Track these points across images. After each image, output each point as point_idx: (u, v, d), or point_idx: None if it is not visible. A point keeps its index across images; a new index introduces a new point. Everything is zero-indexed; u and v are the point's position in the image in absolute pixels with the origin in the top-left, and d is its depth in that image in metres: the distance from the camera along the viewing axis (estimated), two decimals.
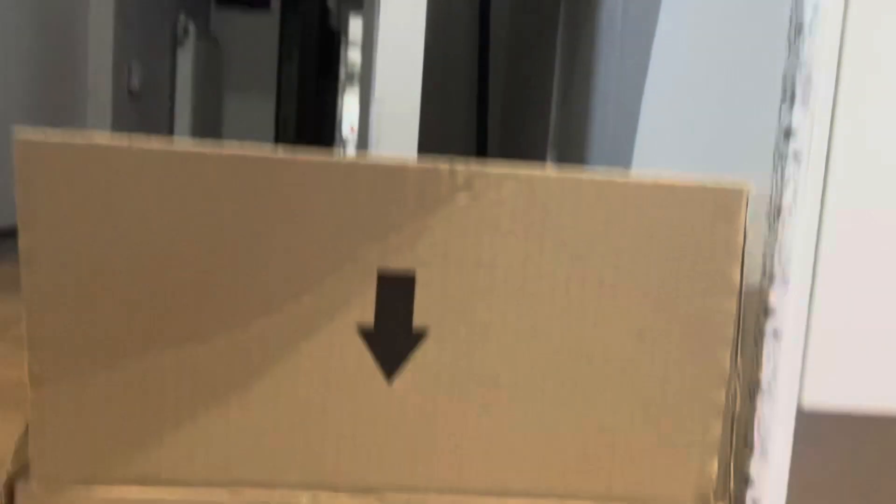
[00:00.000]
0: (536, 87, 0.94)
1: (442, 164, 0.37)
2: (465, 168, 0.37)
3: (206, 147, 0.36)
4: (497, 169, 0.37)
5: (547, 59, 0.87)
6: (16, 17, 1.75)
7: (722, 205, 0.38)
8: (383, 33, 0.74)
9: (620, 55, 0.73)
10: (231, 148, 0.36)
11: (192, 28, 2.72)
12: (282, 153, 0.36)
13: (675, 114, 0.57)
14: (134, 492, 0.37)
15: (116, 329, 0.36)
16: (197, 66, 2.77)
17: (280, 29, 3.17)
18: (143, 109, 2.43)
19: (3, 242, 2.23)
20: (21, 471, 0.38)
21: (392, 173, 0.36)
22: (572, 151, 0.81)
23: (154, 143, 0.36)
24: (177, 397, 0.37)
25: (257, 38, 3.15)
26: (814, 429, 0.45)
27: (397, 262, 0.37)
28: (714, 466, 0.40)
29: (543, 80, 0.89)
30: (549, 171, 0.37)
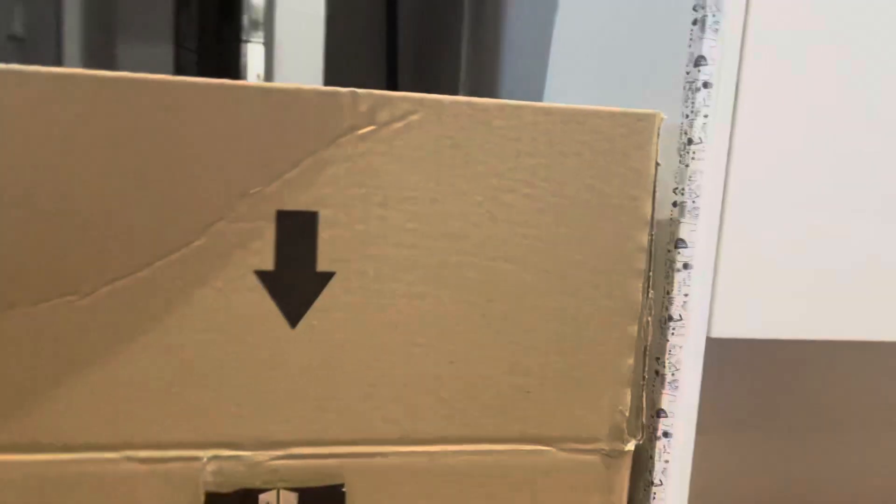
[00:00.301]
0: (446, 23, 0.91)
1: (343, 91, 0.34)
2: (368, 94, 0.34)
3: (95, 71, 0.32)
4: (403, 95, 0.35)
5: None
6: None
7: (633, 132, 0.37)
8: None
9: None
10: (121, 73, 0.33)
11: None
12: (170, 77, 0.33)
13: (587, 47, 0.56)
14: (12, 461, 0.34)
15: None
16: (86, 9, 2.58)
17: None
18: (27, 56, 2.25)
19: None
20: None
21: (289, 99, 0.33)
22: (483, 89, 0.79)
23: (34, 67, 0.32)
24: (55, 354, 0.34)
25: None
26: (719, 355, 0.46)
27: (298, 201, 0.35)
28: (627, 401, 0.40)
29: (454, 14, 0.86)
30: (458, 98, 0.35)
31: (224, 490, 0.36)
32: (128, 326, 0.34)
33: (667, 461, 0.43)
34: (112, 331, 0.34)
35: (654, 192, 0.38)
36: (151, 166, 0.33)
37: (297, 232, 0.35)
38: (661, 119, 0.38)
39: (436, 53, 0.98)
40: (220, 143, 0.34)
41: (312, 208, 0.35)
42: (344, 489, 0.37)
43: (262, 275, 0.35)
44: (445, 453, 0.38)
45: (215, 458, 0.36)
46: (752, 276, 0.42)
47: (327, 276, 0.36)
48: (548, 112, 0.36)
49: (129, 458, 0.35)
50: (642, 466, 0.44)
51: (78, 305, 0.34)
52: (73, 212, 0.33)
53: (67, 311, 0.33)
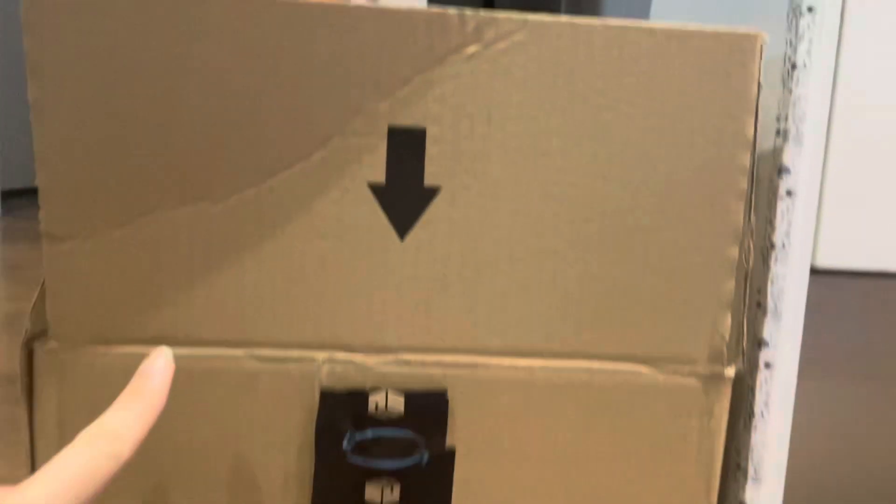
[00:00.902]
0: None
1: (451, 11, 0.36)
2: (475, 14, 0.36)
3: None
4: (508, 16, 0.36)
5: None
6: None
7: (737, 51, 0.37)
8: None
9: None
10: None
11: None
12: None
13: None
14: (149, 352, 0.38)
15: (129, 185, 0.36)
16: None
17: None
18: None
19: (17, 200, 2.24)
20: (39, 331, 0.38)
21: (400, 20, 0.36)
22: (586, 9, 0.79)
23: None
24: (190, 256, 0.37)
25: None
26: (825, 291, 0.45)
27: (407, 117, 0.37)
28: (727, 325, 0.40)
29: None
30: (561, 18, 0.37)
31: (337, 389, 0.38)
32: (254, 232, 0.37)
33: (768, 393, 0.43)
34: (240, 236, 0.37)
35: (757, 113, 0.38)
36: (275, 83, 0.36)
37: (406, 147, 0.37)
38: (764, 39, 0.38)
39: None
40: (337, 61, 0.36)
41: (421, 125, 0.37)
42: (447, 396, 0.39)
43: (375, 188, 0.37)
44: (545, 368, 0.39)
45: (329, 359, 0.38)
46: (857, 204, 0.41)
47: (434, 191, 0.38)
48: (650, 32, 0.37)
49: (252, 356, 0.38)
50: (743, 398, 0.44)
51: (211, 211, 0.37)
52: (207, 125, 0.36)
53: (201, 216, 0.37)
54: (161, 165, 0.36)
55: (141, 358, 0.38)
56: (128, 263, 0.37)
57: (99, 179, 0.36)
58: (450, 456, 0.39)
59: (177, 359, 0.38)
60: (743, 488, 0.44)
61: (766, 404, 0.43)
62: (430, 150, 0.37)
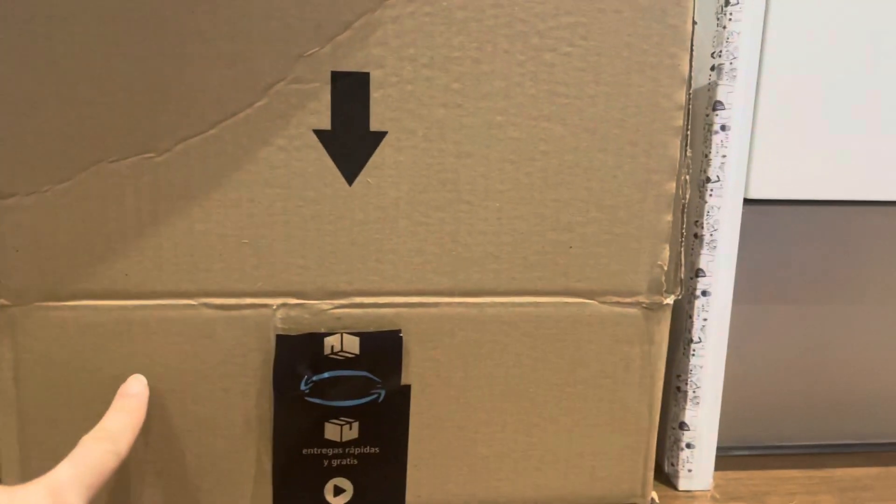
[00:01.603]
0: None
1: None
2: None
3: None
4: None
5: None
6: None
7: None
8: None
9: None
10: None
11: None
12: None
13: None
14: (102, 306, 0.38)
15: (68, 139, 0.36)
16: None
17: None
18: None
19: None
20: None
21: None
22: None
23: None
24: (137, 208, 0.37)
25: None
26: (758, 220, 0.47)
27: (350, 62, 0.37)
28: (666, 256, 0.42)
29: None
30: None
31: (292, 333, 0.39)
32: (201, 182, 0.37)
33: (705, 319, 0.45)
34: (187, 186, 0.37)
35: (692, 50, 0.39)
36: (216, 31, 0.36)
37: (350, 92, 0.37)
38: None
39: None
40: (277, 7, 0.36)
41: (364, 69, 0.37)
42: (401, 334, 0.40)
43: (320, 134, 0.38)
44: (494, 304, 0.41)
45: (284, 305, 0.39)
46: (787, 137, 0.43)
47: (380, 136, 0.38)
48: None
49: (206, 305, 0.39)
50: (682, 326, 0.46)
51: (155, 162, 0.37)
52: (145, 76, 0.36)
53: (146, 167, 0.37)
54: (101, 118, 0.36)
55: (94, 311, 0.38)
56: (74, 218, 0.37)
57: (38, 134, 0.36)
58: (405, 393, 0.41)
59: (130, 311, 0.39)
60: (683, 410, 0.46)
61: (704, 330, 0.45)
62: (375, 94, 0.38)
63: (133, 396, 0.37)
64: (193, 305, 0.39)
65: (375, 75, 0.37)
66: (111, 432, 0.34)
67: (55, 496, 0.29)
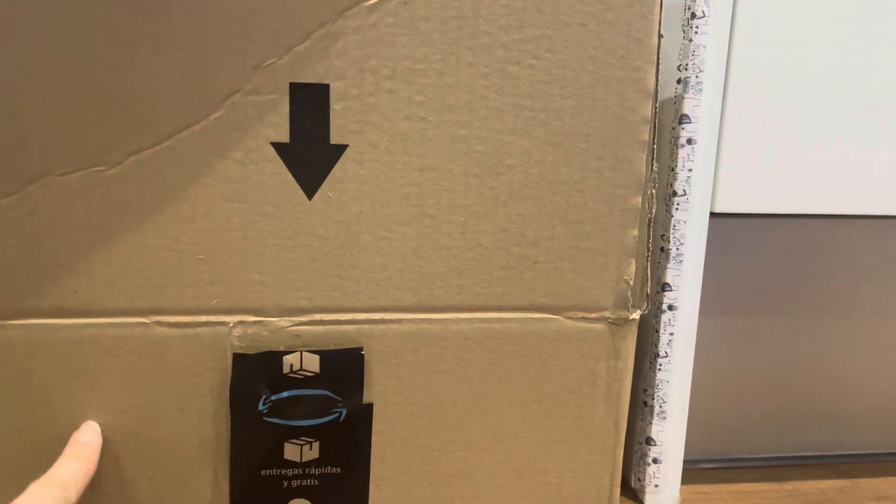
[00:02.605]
0: None
1: None
2: None
3: None
4: None
5: None
6: None
7: (637, 2, 0.37)
8: None
9: None
10: None
11: None
12: None
13: None
14: (51, 324, 0.37)
15: (13, 152, 0.34)
16: None
17: None
18: None
19: None
20: None
21: None
22: None
23: None
24: (87, 223, 0.36)
25: None
26: (724, 234, 0.47)
27: (309, 73, 0.36)
28: (632, 271, 0.41)
29: None
30: None
31: (250, 352, 0.38)
32: (154, 196, 0.36)
33: (672, 334, 0.45)
34: (140, 200, 0.36)
35: (658, 63, 0.39)
36: (170, 40, 0.35)
37: (310, 104, 0.36)
38: None
39: None
40: (232, 15, 0.35)
41: (324, 80, 0.36)
42: (363, 352, 0.39)
43: (279, 146, 0.37)
44: (458, 320, 0.40)
45: (241, 322, 0.38)
46: (752, 151, 0.43)
47: (340, 149, 0.37)
48: None
49: (159, 323, 0.37)
50: (648, 340, 0.46)
51: (106, 175, 0.35)
52: (96, 85, 0.35)
53: (96, 180, 0.35)
54: (48, 129, 0.35)
55: (43, 329, 0.37)
56: (21, 233, 0.35)
57: None
58: (367, 411, 0.40)
59: (79, 329, 0.37)
60: (650, 424, 0.46)
61: (670, 344, 0.45)
62: (335, 106, 0.37)
63: (85, 444, 0.36)
64: (146, 324, 0.37)
65: (336, 87, 0.36)
66: (62, 479, 0.33)
67: None
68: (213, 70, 0.35)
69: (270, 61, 0.36)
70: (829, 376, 0.51)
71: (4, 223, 0.35)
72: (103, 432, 0.38)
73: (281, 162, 0.37)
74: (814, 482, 0.51)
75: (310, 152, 0.37)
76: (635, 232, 0.41)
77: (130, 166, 0.36)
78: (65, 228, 0.36)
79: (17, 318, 0.36)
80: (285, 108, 0.36)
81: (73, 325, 0.37)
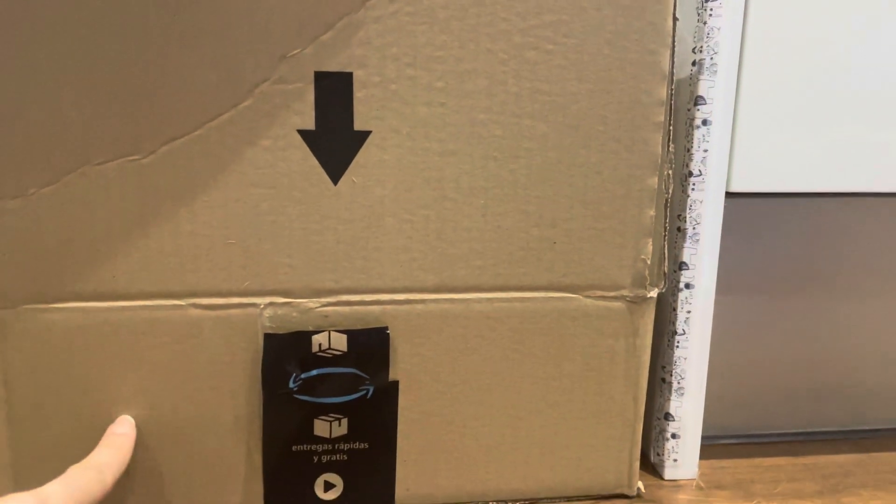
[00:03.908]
0: None
1: None
2: None
3: None
4: None
5: None
6: None
7: None
8: None
9: None
10: None
11: None
12: None
13: None
14: (90, 307, 0.38)
15: (53, 142, 0.36)
16: None
17: None
18: None
19: None
20: None
21: None
22: None
23: None
24: (123, 210, 0.37)
25: None
26: (739, 213, 0.48)
27: (333, 62, 0.37)
28: (649, 250, 0.42)
29: None
30: None
31: (280, 332, 0.39)
32: (187, 183, 0.37)
33: (689, 312, 0.46)
34: (173, 187, 0.37)
35: (673, 46, 0.40)
36: (199, 34, 0.36)
37: (334, 92, 0.38)
38: None
39: None
40: (260, 8, 0.36)
41: (347, 69, 0.37)
42: (388, 331, 0.40)
43: (305, 134, 0.38)
44: (479, 300, 0.41)
45: (271, 304, 0.39)
46: (767, 131, 0.44)
47: (364, 135, 0.38)
48: None
49: (194, 305, 0.39)
50: (666, 318, 0.47)
51: (141, 164, 0.37)
52: (130, 79, 0.36)
53: (131, 169, 0.37)
54: (85, 121, 0.36)
55: (82, 313, 0.39)
56: (60, 220, 0.37)
57: (23, 137, 0.36)
58: (393, 389, 0.41)
59: (117, 312, 0.39)
60: (668, 400, 0.47)
61: (687, 322, 0.46)
62: (358, 94, 0.38)
63: (121, 436, 0.38)
64: (181, 306, 0.39)
65: (358, 75, 0.38)
66: (99, 464, 0.35)
67: None
68: (241, 61, 0.37)
69: (296, 51, 0.37)
70: (845, 352, 0.52)
71: (45, 211, 0.37)
72: (140, 412, 0.39)
73: (307, 149, 0.38)
74: (831, 456, 0.52)
75: (335, 139, 0.38)
76: (652, 212, 0.42)
77: (163, 155, 0.37)
78: (102, 215, 0.37)
79: (57, 301, 0.38)
80: (310, 97, 0.37)
81: (111, 309, 0.38)
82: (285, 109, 0.37)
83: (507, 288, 0.42)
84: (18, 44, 0.35)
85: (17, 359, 0.38)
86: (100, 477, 0.34)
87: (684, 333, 0.46)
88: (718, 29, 0.42)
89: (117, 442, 0.38)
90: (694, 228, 0.44)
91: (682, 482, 0.48)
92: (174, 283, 0.39)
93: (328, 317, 0.40)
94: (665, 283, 0.43)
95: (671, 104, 0.41)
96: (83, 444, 0.39)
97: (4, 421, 0.39)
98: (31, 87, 0.35)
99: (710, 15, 0.42)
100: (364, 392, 0.41)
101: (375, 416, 0.41)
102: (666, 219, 0.42)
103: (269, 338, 0.39)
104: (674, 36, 0.40)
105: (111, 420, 0.39)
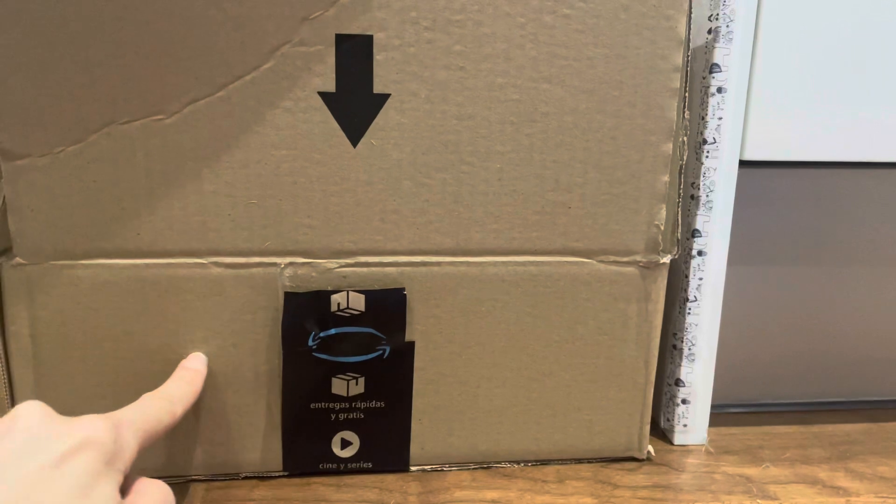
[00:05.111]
0: None
1: None
2: None
3: None
4: None
5: None
6: None
7: None
8: None
9: None
10: None
11: None
12: None
13: None
14: (115, 264, 0.39)
15: (79, 102, 0.37)
16: None
17: None
18: None
19: None
20: (4, 248, 0.39)
21: None
22: None
23: None
24: (148, 169, 0.38)
25: None
26: (753, 182, 0.48)
27: (353, 25, 0.38)
28: (663, 216, 0.43)
29: None
30: None
31: (300, 291, 0.40)
32: (210, 143, 0.38)
33: (701, 279, 0.46)
34: (196, 148, 0.38)
35: (690, 12, 0.40)
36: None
37: (354, 55, 0.38)
38: None
39: None
40: None
41: (367, 32, 0.38)
42: (405, 292, 0.41)
43: (325, 96, 0.39)
44: (494, 263, 0.42)
45: (291, 264, 0.40)
46: (784, 100, 0.44)
47: (383, 98, 0.39)
48: None
49: (216, 264, 0.40)
50: (678, 285, 0.47)
51: (165, 124, 0.38)
52: (154, 39, 0.37)
53: (156, 129, 0.38)
54: (111, 80, 0.37)
55: (107, 269, 0.40)
56: (86, 178, 0.38)
57: (50, 96, 0.37)
58: (409, 349, 0.42)
59: (142, 269, 0.40)
60: (679, 366, 0.48)
61: (699, 289, 0.46)
62: (378, 56, 0.38)
63: (193, 370, 0.39)
64: (203, 264, 0.40)
65: (378, 38, 0.38)
66: (171, 395, 0.36)
67: (116, 428, 0.30)
68: (263, 23, 0.37)
69: (317, 13, 0.37)
70: (855, 323, 0.53)
71: (71, 170, 0.38)
72: (163, 367, 0.40)
73: (328, 111, 0.39)
74: (839, 425, 0.52)
75: (354, 101, 0.39)
76: (666, 178, 0.42)
77: (187, 115, 0.38)
78: (127, 174, 0.38)
79: (84, 258, 0.39)
80: (331, 59, 0.38)
81: (135, 266, 0.39)
82: (306, 72, 0.38)
83: (521, 252, 0.42)
84: (46, 4, 0.36)
85: (43, 314, 0.39)
86: (170, 408, 0.35)
87: (696, 300, 0.47)
88: None
89: (188, 376, 0.39)
90: (707, 196, 0.45)
91: (691, 447, 0.49)
92: (197, 241, 0.39)
93: (346, 277, 0.41)
94: (678, 249, 0.44)
95: (687, 71, 0.41)
96: (107, 399, 0.40)
97: (31, 374, 0.40)
98: (58, 47, 0.36)
99: None
100: (381, 352, 0.42)
101: (391, 376, 0.42)
102: (680, 186, 0.43)
103: (289, 297, 0.40)
104: (690, 2, 0.40)
105: (134, 376, 0.40)
